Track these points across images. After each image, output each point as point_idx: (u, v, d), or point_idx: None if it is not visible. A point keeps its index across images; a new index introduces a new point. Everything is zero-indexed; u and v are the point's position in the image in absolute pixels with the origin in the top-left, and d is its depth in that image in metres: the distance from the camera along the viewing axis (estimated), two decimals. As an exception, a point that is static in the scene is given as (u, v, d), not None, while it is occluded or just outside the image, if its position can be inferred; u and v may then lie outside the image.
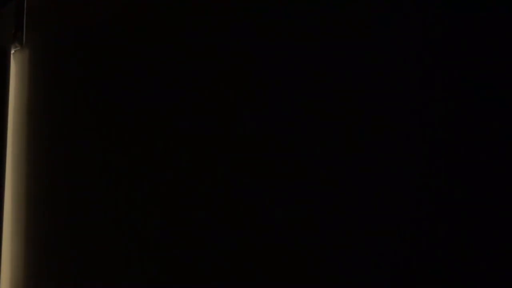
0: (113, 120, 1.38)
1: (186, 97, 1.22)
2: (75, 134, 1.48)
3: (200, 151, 1.18)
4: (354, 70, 0.95)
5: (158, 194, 1.25)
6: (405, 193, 0.88)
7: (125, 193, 1.33)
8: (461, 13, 0.84)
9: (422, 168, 0.87)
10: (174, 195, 1.22)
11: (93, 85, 1.45)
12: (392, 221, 0.89)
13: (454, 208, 0.83)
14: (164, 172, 1.24)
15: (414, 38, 0.89)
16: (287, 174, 1.02)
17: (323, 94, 0.99)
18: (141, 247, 1.28)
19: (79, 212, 1.45)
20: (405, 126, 0.89)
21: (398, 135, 0.90)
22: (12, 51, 1.63)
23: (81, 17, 1.52)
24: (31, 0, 1.66)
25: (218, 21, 1.17)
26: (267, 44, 1.08)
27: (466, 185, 0.82)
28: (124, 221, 1.32)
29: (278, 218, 1.03)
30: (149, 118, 1.29)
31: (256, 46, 1.10)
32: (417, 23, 0.89)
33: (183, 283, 1.18)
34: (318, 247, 0.97)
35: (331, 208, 0.96)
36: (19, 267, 1.58)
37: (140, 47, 1.33)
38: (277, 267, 1.02)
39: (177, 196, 1.21)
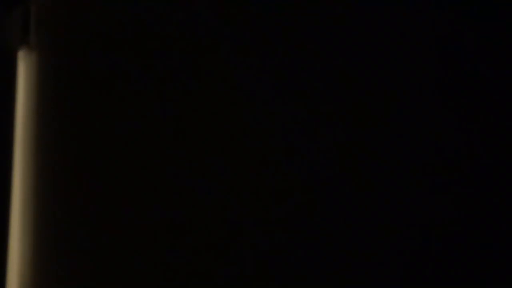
0: (122, 122, 1.38)
1: (200, 101, 1.22)
2: (83, 135, 1.48)
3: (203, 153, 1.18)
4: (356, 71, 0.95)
5: (168, 193, 1.25)
6: (407, 194, 0.88)
7: (135, 193, 1.34)
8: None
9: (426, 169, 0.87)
10: (183, 195, 1.22)
11: (100, 87, 1.45)
12: (394, 222, 0.89)
13: (458, 209, 0.83)
14: (173, 172, 1.25)
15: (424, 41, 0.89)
16: (291, 173, 1.03)
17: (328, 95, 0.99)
18: (153, 248, 1.28)
19: (88, 212, 1.45)
20: (412, 128, 0.89)
21: (400, 136, 0.90)
22: (20, 53, 1.64)
23: (90, 19, 1.52)
24: (40, 2, 1.66)
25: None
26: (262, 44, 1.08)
27: (469, 186, 0.82)
28: (135, 220, 1.33)
29: (279, 218, 1.03)
30: (161, 120, 1.29)
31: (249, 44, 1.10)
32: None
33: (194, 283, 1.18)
34: (320, 247, 0.97)
35: (333, 208, 0.96)
36: (27, 266, 1.59)
37: (151, 49, 1.33)
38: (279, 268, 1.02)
39: (185, 196, 1.21)
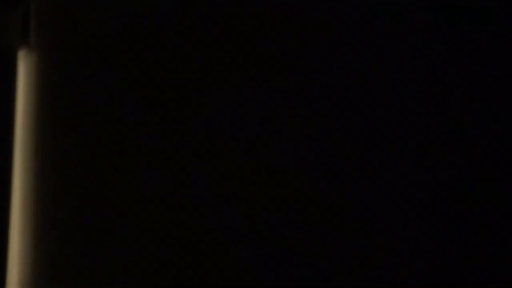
0: (123, 122, 1.38)
1: (200, 101, 1.22)
2: (83, 135, 1.48)
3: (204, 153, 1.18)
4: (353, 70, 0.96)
5: (170, 194, 1.25)
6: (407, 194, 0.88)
7: (135, 193, 1.34)
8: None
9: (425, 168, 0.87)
10: (184, 195, 1.22)
11: (100, 87, 1.45)
12: (394, 221, 0.89)
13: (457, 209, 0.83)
14: (175, 173, 1.25)
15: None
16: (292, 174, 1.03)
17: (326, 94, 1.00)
18: (154, 248, 1.28)
19: (88, 212, 1.46)
20: (408, 126, 0.89)
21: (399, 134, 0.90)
22: (20, 53, 1.64)
23: (90, 19, 1.52)
24: (39, 2, 1.66)
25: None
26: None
27: (470, 187, 0.82)
28: (135, 221, 1.33)
29: (281, 217, 1.03)
30: (162, 121, 1.29)
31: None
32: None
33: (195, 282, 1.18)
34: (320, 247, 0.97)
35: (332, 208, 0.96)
36: (27, 266, 1.59)
37: (152, 50, 1.33)
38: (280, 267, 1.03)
39: (190, 196, 1.21)
